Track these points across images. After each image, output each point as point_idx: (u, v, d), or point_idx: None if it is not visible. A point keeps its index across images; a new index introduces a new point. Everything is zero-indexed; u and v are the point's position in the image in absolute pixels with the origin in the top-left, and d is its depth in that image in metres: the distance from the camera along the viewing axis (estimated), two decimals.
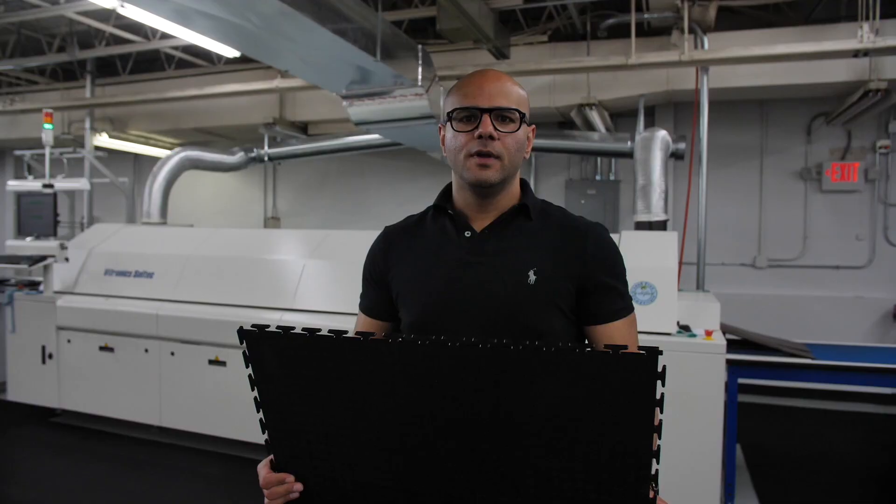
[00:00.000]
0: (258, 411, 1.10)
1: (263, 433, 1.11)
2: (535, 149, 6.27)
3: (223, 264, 4.66)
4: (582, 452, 0.92)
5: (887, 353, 4.03)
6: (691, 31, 5.02)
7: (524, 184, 1.41)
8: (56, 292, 5.08)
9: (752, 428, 5.03)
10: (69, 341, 4.91)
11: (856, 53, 4.56)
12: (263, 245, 4.79)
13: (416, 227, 1.44)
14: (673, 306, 3.52)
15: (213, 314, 4.39)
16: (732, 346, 3.96)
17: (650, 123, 6.29)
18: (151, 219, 6.02)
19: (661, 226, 4.51)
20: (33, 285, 5.47)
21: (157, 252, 4.98)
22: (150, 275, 4.82)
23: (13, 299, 5.15)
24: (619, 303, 1.33)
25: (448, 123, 1.32)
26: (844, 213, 6.35)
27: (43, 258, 4.98)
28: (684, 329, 3.56)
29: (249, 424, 4.39)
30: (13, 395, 5.26)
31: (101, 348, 4.76)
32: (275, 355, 1.05)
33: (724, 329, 4.08)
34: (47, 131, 5.26)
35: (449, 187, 1.42)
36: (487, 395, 0.93)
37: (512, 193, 1.36)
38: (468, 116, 1.28)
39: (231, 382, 4.28)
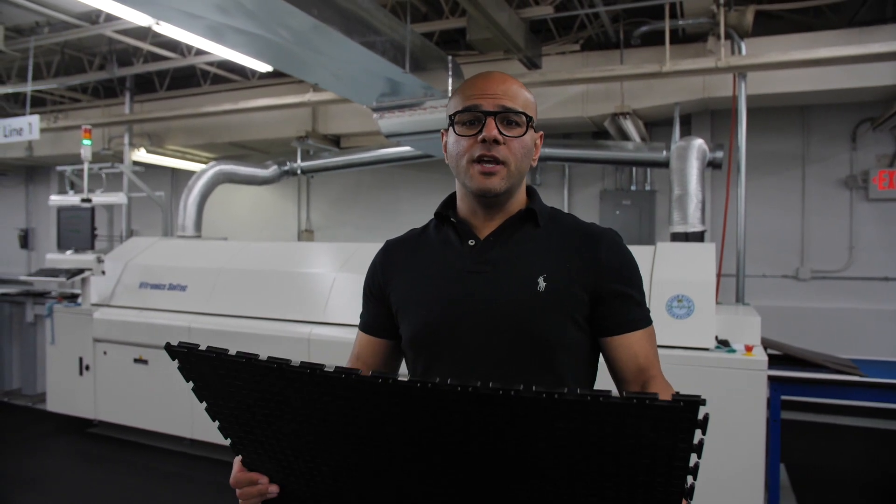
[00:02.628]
0: (213, 420, 1.00)
1: (225, 437, 1.02)
2: (568, 159, 6.22)
3: (255, 277, 4.68)
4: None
5: None
6: (727, 36, 4.90)
7: (531, 190, 1.34)
8: (93, 305, 5.17)
9: (796, 447, 4.83)
10: (105, 353, 4.98)
11: None
12: (294, 258, 4.80)
13: (418, 239, 1.37)
14: (711, 320, 3.39)
15: (244, 327, 4.40)
16: (774, 361, 3.81)
17: (686, 132, 6.15)
18: (186, 232, 6.10)
19: (699, 237, 4.38)
20: (72, 298, 5.59)
21: (190, 265, 5.03)
22: (183, 288, 4.86)
23: (53, 311, 5.25)
24: (636, 312, 1.24)
25: (450, 128, 1.24)
26: (893, 222, 6.09)
27: (80, 271, 5.08)
28: (723, 344, 3.43)
29: None
30: (52, 405, 5.35)
31: (136, 360, 4.81)
32: (215, 374, 0.93)
33: (766, 344, 3.92)
34: (86, 147, 5.37)
35: (452, 196, 1.34)
36: (482, 444, 0.79)
37: (518, 200, 1.29)
38: (471, 120, 1.20)
39: None
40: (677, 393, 0.70)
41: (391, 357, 1.39)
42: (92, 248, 5.24)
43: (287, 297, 4.43)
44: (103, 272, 5.11)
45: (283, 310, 4.36)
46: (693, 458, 0.73)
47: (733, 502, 3.23)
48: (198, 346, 0.91)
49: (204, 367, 0.93)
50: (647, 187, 6.78)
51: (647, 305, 1.30)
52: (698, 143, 4.75)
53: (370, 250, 4.71)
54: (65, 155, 8.63)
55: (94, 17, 5.54)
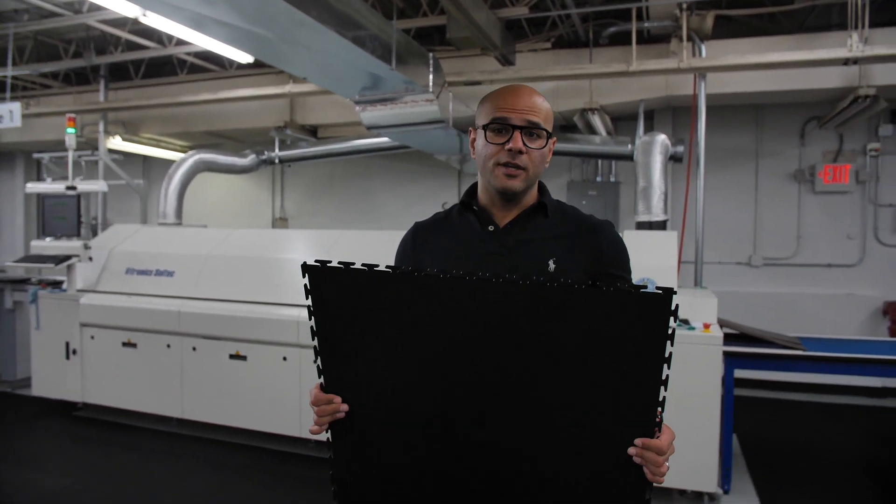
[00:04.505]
0: (313, 339, 1.23)
1: (316, 360, 1.25)
2: None
3: (241, 263, 4.86)
4: (605, 380, 1.07)
5: (875, 346, 4.25)
6: (689, 39, 5.24)
7: (542, 186, 1.54)
8: (79, 290, 5.27)
9: (748, 420, 5.25)
10: (92, 338, 5.10)
11: (846, 62, 4.79)
12: (280, 245, 4.99)
13: (444, 222, 1.56)
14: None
15: (233, 311, 4.59)
16: (730, 339, 4.18)
17: (650, 127, 6.51)
18: (167, 220, 6.21)
19: (662, 226, 4.72)
20: (55, 284, 5.66)
21: (176, 252, 5.18)
22: (170, 273, 5.01)
23: (37, 297, 5.33)
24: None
25: (482, 132, 1.44)
26: (836, 214, 6.57)
27: (68, 258, 5.17)
28: (684, 322, 3.77)
29: (269, 415, 4.60)
30: (37, 390, 5.44)
31: (125, 344, 4.95)
32: (334, 288, 1.18)
33: (722, 323, 4.29)
34: (70, 135, 5.44)
35: (474, 187, 1.55)
36: (524, 327, 1.08)
37: (532, 195, 1.50)
38: (500, 129, 1.41)
39: (251, 375, 4.48)
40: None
41: None
42: (78, 235, 5.33)
43: (274, 282, 4.63)
44: (90, 259, 5.21)
45: (273, 294, 4.56)
46: (668, 348, 1.03)
47: (692, 466, 3.56)
48: (329, 261, 1.17)
49: (328, 281, 1.18)
50: (612, 179, 7.13)
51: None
52: (662, 138, 5.09)
53: (354, 237, 4.94)
54: (32, 142, 8.57)
55: (76, 5, 5.59)
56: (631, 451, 1.09)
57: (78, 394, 5.20)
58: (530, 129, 1.41)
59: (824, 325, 6.08)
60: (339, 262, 1.16)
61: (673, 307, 1.02)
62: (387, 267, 1.15)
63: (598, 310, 1.05)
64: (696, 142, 5.43)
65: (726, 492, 3.83)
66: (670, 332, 1.03)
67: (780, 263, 6.74)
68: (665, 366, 1.05)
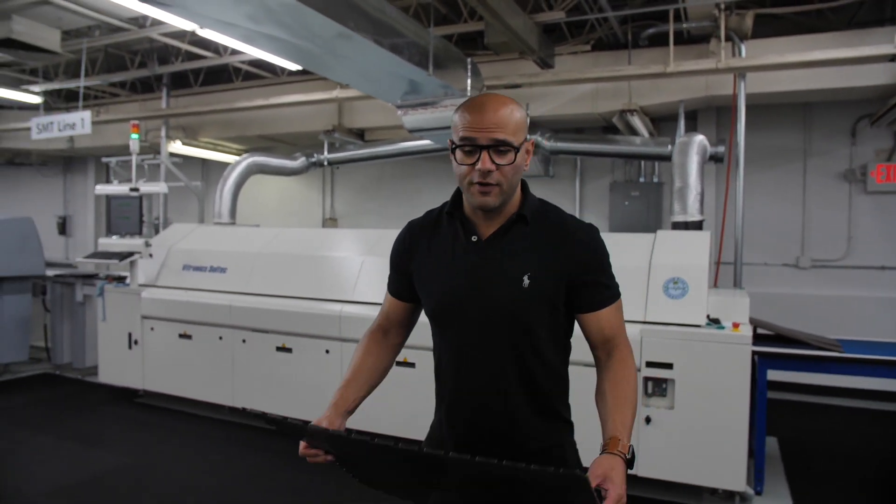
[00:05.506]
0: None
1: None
2: (579, 153, 6.59)
3: (290, 261, 5.13)
4: None
5: None
6: (728, 39, 5.23)
7: (524, 188, 1.56)
8: (140, 285, 5.65)
9: (789, 424, 5.21)
10: (152, 329, 5.47)
11: (893, 58, 4.69)
12: (326, 243, 5.23)
13: (434, 226, 1.63)
14: (703, 300, 3.77)
15: (280, 305, 4.85)
16: (765, 340, 4.18)
17: (692, 127, 6.48)
18: (222, 219, 6.56)
19: (697, 226, 4.74)
20: (120, 279, 6.07)
21: (229, 249, 5.49)
22: (223, 270, 5.32)
23: (104, 291, 5.74)
24: (605, 293, 1.52)
25: (453, 149, 1.46)
26: (890, 214, 6.39)
27: (131, 254, 5.55)
28: (714, 321, 3.80)
29: (312, 404, 4.83)
30: (103, 377, 5.86)
31: (181, 336, 5.29)
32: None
33: (758, 324, 4.29)
34: (134, 140, 5.83)
35: (459, 193, 1.58)
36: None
37: (513, 203, 1.52)
38: (469, 150, 1.42)
39: (296, 367, 4.73)
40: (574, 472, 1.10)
41: (411, 315, 1.73)
42: (140, 233, 5.71)
43: (320, 279, 4.87)
44: (150, 255, 5.58)
45: (317, 290, 4.80)
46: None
47: (719, 463, 3.59)
48: (287, 421, 1.40)
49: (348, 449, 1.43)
50: (655, 179, 7.12)
51: (616, 282, 1.56)
52: (699, 138, 5.10)
53: (394, 236, 5.12)
54: (103, 147, 9.14)
55: (141, 20, 5.98)
56: None
57: (139, 381, 5.57)
58: (497, 147, 1.41)
59: (875, 330, 5.92)
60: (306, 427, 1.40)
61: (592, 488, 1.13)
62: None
63: (529, 486, 1.17)
64: (737, 142, 5.40)
65: (759, 493, 3.83)
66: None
67: (830, 265, 6.59)
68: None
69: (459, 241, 1.55)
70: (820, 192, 6.62)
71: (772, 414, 4.82)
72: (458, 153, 1.45)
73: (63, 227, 11.66)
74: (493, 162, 1.41)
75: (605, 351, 1.52)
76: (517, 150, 1.43)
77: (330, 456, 1.44)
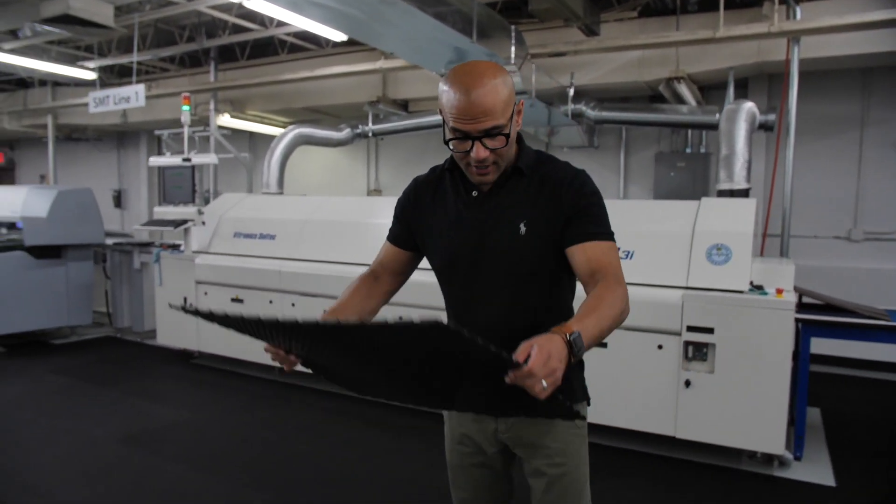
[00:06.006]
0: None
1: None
2: (624, 122, 6.53)
3: (337, 227, 5.27)
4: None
5: None
6: (782, 1, 5.08)
7: (520, 140, 1.58)
8: (194, 252, 5.88)
9: (834, 395, 5.15)
10: (206, 293, 5.70)
11: None
12: (370, 210, 5.35)
13: (438, 182, 1.67)
14: (746, 267, 3.75)
15: (328, 270, 5.00)
16: (811, 309, 4.14)
17: (742, 95, 6.34)
18: (270, 189, 6.75)
19: (743, 194, 4.68)
20: (174, 247, 6.33)
21: (278, 217, 5.66)
22: (272, 237, 5.50)
23: (160, 258, 6.00)
24: (592, 228, 1.50)
25: (445, 130, 1.47)
26: None
27: (184, 222, 5.78)
28: (757, 288, 3.79)
29: None
30: (161, 339, 6.16)
31: (233, 300, 5.51)
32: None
33: (803, 293, 4.25)
34: (185, 112, 6.03)
35: None
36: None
37: (510, 157, 1.55)
38: (461, 138, 1.44)
39: None
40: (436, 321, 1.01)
41: (405, 264, 1.76)
42: (193, 202, 5.93)
43: (366, 245, 4.97)
44: (203, 223, 5.80)
45: (364, 255, 4.88)
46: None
47: (760, 430, 3.61)
48: (196, 310, 1.37)
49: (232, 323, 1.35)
50: (702, 150, 7.00)
51: (611, 230, 1.54)
52: (748, 105, 5.00)
53: None
54: (153, 121, 9.44)
55: None
56: (508, 381, 1.15)
57: (194, 343, 5.83)
58: (489, 133, 1.42)
59: None
60: (208, 312, 1.30)
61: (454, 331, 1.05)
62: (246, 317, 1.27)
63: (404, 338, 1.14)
64: (788, 109, 5.28)
65: (798, 458, 3.84)
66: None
67: (884, 238, 6.41)
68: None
69: (461, 196, 1.60)
70: (876, 163, 6.41)
71: (816, 386, 4.81)
72: (452, 143, 1.46)
73: (118, 201, 12.12)
74: (486, 148, 1.44)
75: (594, 283, 1.46)
76: (509, 126, 1.44)
77: (297, 358, 1.43)
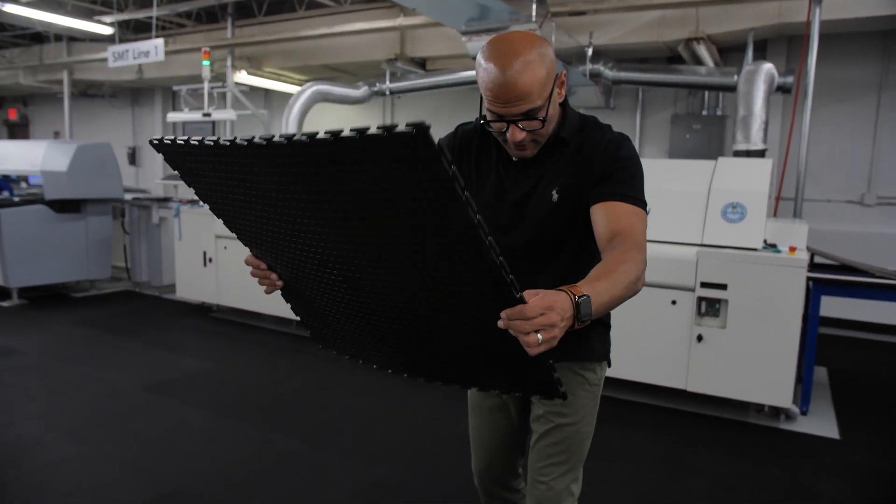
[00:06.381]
0: (204, 202, 1.22)
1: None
2: (641, 83, 6.52)
3: None
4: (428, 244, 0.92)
5: None
6: None
7: (564, 108, 1.50)
8: None
9: (841, 357, 5.25)
10: (225, 248, 5.81)
11: None
12: None
13: (484, 136, 1.61)
14: (760, 225, 3.81)
15: None
16: (823, 268, 4.21)
17: (761, 58, 6.28)
18: None
19: (760, 154, 4.71)
20: (193, 201, 6.42)
21: None
22: None
23: (180, 212, 6.10)
24: (619, 188, 1.41)
25: (482, 106, 1.40)
26: None
27: None
28: (770, 246, 3.85)
29: None
30: (180, 293, 6.30)
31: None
32: (188, 161, 1.10)
33: (816, 253, 4.31)
34: (205, 67, 6.06)
35: None
36: (317, 187, 0.91)
37: (553, 124, 1.47)
38: (497, 120, 1.38)
39: None
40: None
41: None
42: None
43: None
44: None
45: None
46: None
47: (768, 384, 3.71)
48: (175, 139, 1.07)
49: (180, 156, 1.11)
50: (719, 112, 6.99)
51: (643, 197, 1.44)
52: (767, 67, 4.99)
53: None
54: (169, 77, 9.45)
55: None
56: (500, 324, 0.99)
57: (213, 296, 5.97)
58: (525, 116, 1.36)
59: None
60: (185, 139, 1.05)
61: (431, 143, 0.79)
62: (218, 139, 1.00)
63: (365, 159, 0.83)
64: (807, 72, 5.25)
65: (804, 413, 3.95)
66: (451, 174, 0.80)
67: None
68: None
69: (502, 159, 1.57)
70: (892, 127, 6.37)
71: (824, 348, 4.89)
72: (490, 124, 1.40)
73: (133, 158, 12.18)
74: (523, 130, 1.38)
75: (612, 247, 1.33)
76: (546, 107, 1.36)
77: (280, 281, 1.34)
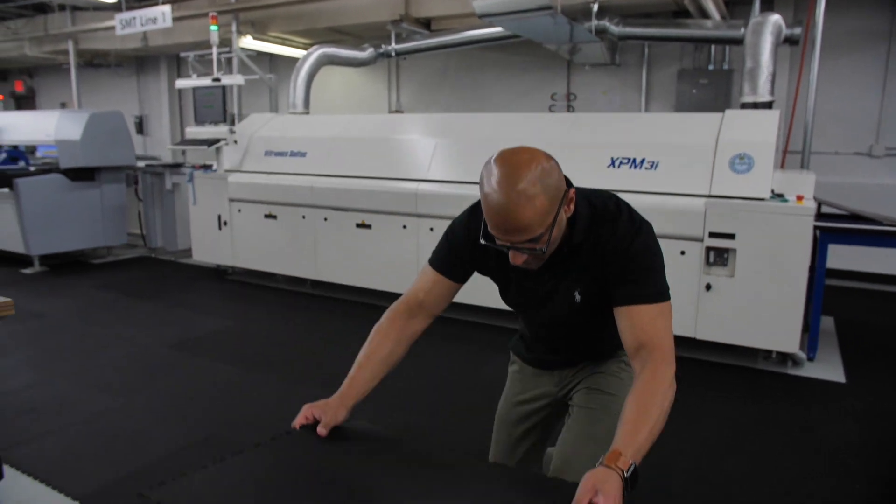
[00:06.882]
0: None
1: None
2: (647, 38, 6.50)
3: (366, 144, 5.40)
4: None
5: None
6: None
7: (574, 214, 1.44)
8: (226, 171, 6.06)
9: (849, 307, 5.34)
10: (239, 211, 5.91)
11: None
12: (399, 128, 5.46)
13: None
14: (768, 175, 3.87)
15: (360, 185, 5.17)
16: (831, 218, 4.27)
17: (768, 10, 6.24)
18: (297, 109, 6.84)
19: (767, 107, 4.73)
20: (206, 167, 6.50)
21: (307, 135, 5.80)
22: (303, 154, 5.66)
23: (194, 176, 6.19)
24: (641, 289, 1.41)
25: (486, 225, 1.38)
26: None
27: (217, 140, 5.93)
28: (778, 196, 3.92)
29: (390, 277, 5.23)
30: (196, 256, 6.43)
31: (266, 216, 5.72)
32: None
33: (824, 203, 4.37)
34: (213, 32, 6.07)
35: None
36: None
37: (560, 231, 1.43)
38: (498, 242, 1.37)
39: (375, 242, 5.11)
40: None
41: (451, 295, 1.66)
42: (224, 121, 6.06)
43: (395, 161, 5.14)
44: (235, 141, 5.95)
45: (394, 170, 5.09)
46: None
47: (775, 331, 3.82)
48: None
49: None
50: (725, 66, 6.96)
51: (664, 287, 1.44)
52: (774, 18, 4.98)
53: (465, 120, 5.33)
54: (174, 45, 9.41)
55: None
56: None
57: (229, 259, 6.10)
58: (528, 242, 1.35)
59: None
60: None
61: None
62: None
63: None
64: (815, 23, 5.23)
65: (811, 359, 4.06)
66: None
67: None
68: None
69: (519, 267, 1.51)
70: None
71: (833, 298, 4.99)
72: (492, 232, 1.37)
73: (140, 127, 12.22)
74: (524, 252, 1.37)
75: (640, 360, 1.37)
76: (549, 232, 1.34)
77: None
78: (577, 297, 1.52)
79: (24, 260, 6.73)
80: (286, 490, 1.25)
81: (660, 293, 1.42)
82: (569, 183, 1.41)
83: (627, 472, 1.15)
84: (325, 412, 1.48)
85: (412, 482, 1.29)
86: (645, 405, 1.28)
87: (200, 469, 1.30)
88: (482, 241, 1.40)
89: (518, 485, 1.33)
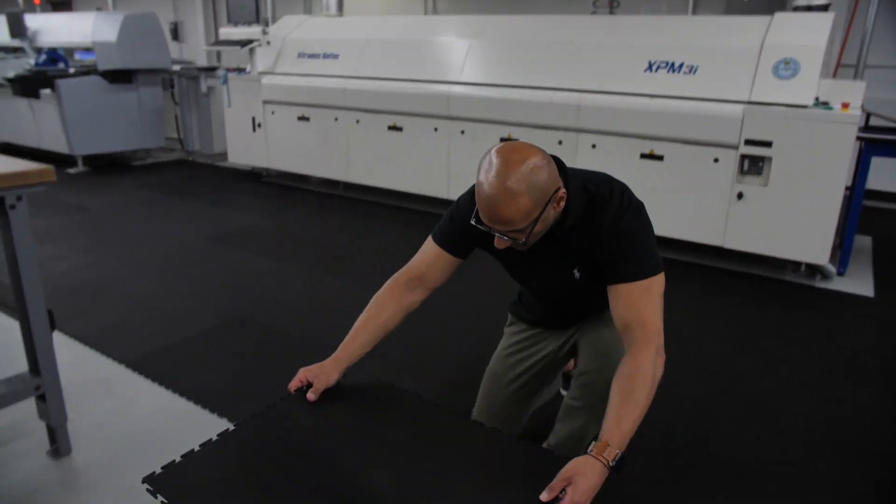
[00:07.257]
0: None
1: None
2: None
3: (399, 46, 5.31)
4: None
5: None
6: None
7: (569, 195, 1.47)
8: (260, 73, 6.05)
9: (891, 228, 5.19)
10: (273, 113, 5.94)
11: None
12: (432, 29, 5.34)
13: None
14: (813, 81, 3.71)
15: (392, 88, 5.13)
16: (879, 130, 4.10)
17: None
18: (330, 11, 6.70)
19: (822, 10, 4.47)
20: (240, 69, 6.49)
21: (340, 37, 5.71)
22: (336, 56, 5.60)
23: (228, 79, 6.20)
24: (625, 268, 1.47)
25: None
26: None
27: (250, 41, 5.89)
28: (822, 104, 3.77)
29: (421, 178, 5.26)
30: (232, 158, 6.52)
31: (299, 118, 5.74)
32: None
33: (874, 115, 4.19)
34: None
35: None
36: None
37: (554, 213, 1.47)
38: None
39: (407, 144, 5.12)
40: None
41: (453, 271, 1.72)
42: (257, 21, 6.00)
43: (428, 63, 5.06)
44: (268, 43, 5.90)
45: (426, 72, 5.02)
46: None
47: (807, 241, 3.75)
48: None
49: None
50: None
51: (654, 262, 1.48)
52: None
53: (499, 22, 5.14)
54: None
55: None
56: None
57: (263, 161, 6.18)
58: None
59: None
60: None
61: None
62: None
63: None
64: None
65: (841, 273, 4.01)
66: None
67: None
68: None
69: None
70: None
71: (873, 218, 4.86)
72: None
73: (175, 33, 12.14)
74: (506, 239, 1.42)
75: (627, 339, 1.43)
76: (531, 228, 1.39)
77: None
78: (577, 274, 1.61)
79: (69, 160, 6.92)
80: (278, 461, 1.32)
81: (650, 268, 1.46)
82: (566, 173, 1.47)
83: (613, 461, 1.21)
84: (318, 377, 1.55)
85: (397, 456, 1.36)
86: (629, 390, 1.31)
87: (192, 452, 1.35)
88: (472, 222, 1.44)
89: (517, 457, 1.38)
